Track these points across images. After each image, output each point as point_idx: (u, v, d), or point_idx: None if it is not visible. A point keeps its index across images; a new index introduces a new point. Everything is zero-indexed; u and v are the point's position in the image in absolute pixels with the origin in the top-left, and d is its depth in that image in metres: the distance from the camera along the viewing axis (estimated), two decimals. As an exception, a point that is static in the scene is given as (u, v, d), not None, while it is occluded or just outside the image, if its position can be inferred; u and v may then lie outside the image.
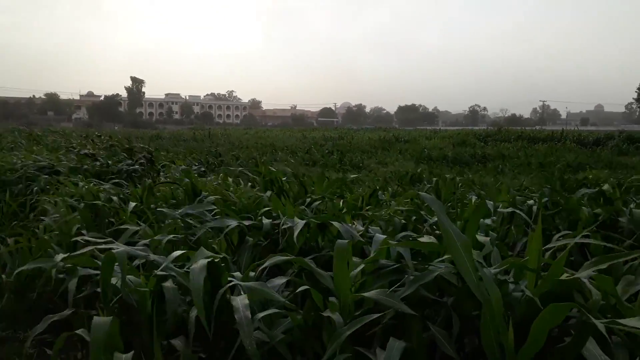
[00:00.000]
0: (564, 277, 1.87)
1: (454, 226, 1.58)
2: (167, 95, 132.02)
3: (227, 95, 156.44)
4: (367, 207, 4.27)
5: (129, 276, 2.19)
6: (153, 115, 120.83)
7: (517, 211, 3.06)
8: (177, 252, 2.06)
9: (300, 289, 1.90)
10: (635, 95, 77.04)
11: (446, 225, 1.54)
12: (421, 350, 1.78)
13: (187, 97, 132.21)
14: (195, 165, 9.83)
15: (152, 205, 4.07)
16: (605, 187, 4.17)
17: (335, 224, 2.67)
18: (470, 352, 1.91)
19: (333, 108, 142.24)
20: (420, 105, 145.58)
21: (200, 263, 1.81)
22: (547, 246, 2.88)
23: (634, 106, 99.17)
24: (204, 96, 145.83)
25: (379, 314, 1.71)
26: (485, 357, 1.75)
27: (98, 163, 7.58)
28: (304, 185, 4.91)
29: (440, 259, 2.16)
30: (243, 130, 48.69)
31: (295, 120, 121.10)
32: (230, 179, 6.44)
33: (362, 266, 1.99)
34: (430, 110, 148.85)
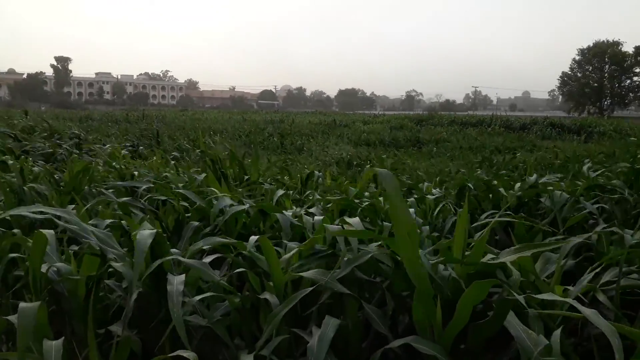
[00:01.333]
0: (487, 257, 2.00)
1: (407, 208, 1.63)
2: (97, 74, 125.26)
3: (162, 75, 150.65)
4: (307, 191, 4.31)
5: (59, 264, 2.11)
6: (82, 96, 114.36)
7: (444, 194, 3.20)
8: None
9: (236, 270, 1.91)
10: (557, 83, 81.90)
11: (396, 203, 1.59)
12: (356, 328, 1.85)
13: (119, 77, 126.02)
14: (130, 148, 9.47)
15: (86, 188, 3.90)
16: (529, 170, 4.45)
17: (279, 216, 2.68)
18: (403, 329, 2.01)
19: (274, 91, 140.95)
20: (359, 90, 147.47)
21: (147, 231, 1.78)
22: (474, 224, 3.07)
23: (556, 93, 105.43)
24: (137, 76, 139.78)
25: (313, 287, 1.75)
26: (415, 333, 1.85)
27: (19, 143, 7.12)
28: (244, 167, 4.87)
29: (377, 243, 2.25)
30: (179, 112, 47.18)
31: (235, 102, 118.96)
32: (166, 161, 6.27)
33: (296, 249, 2.03)
34: (368, 94, 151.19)
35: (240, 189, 4.01)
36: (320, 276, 1.78)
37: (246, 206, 2.93)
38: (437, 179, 5.96)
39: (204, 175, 3.98)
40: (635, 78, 75.51)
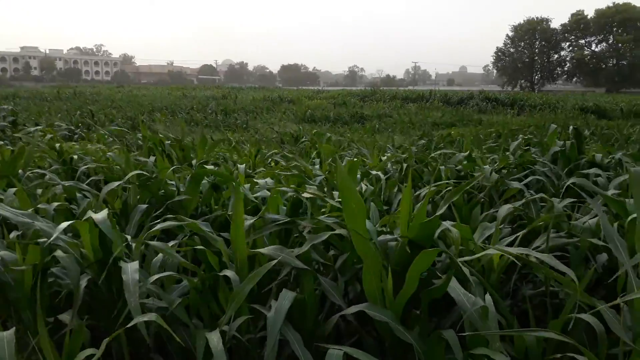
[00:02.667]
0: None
1: (352, 182, 1.71)
2: (22, 48, 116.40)
3: (94, 49, 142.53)
4: (256, 170, 4.33)
5: (2, 252, 2.04)
6: (7, 72, 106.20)
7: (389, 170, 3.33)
8: (66, 223, 1.94)
9: (196, 247, 1.93)
10: (492, 59, 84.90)
11: (345, 180, 1.66)
12: (312, 301, 1.94)
13: (48, 51, 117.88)
14: (64, 127, 9.00)
15: (21, 171, 3.71)
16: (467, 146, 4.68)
17: (233, 186, 2.68)
18: (355, 298, 2.12)
19: (214, 65, 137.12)
20: (302, 65, 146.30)
21: (102, 213, 1.75)
22: (417, 193, 3.23)
23: (491, 68, 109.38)
24: (68, 50, 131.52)
25: (273, 263, 1.80)
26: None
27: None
28: (189, 149, 4.80)
29: (328, 214, 2.33)
30: (115, 88, 45.02)
31: (173, 77, 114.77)
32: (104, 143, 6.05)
33: (252, 220, 2.07)
34: (311, 70, 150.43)
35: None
36: (280, 253, 1.84)
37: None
38: (381, 154, 6.12)
39: (153, 158, 3.90)
40: (562, 53, 79.64)
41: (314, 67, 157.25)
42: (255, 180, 2.99)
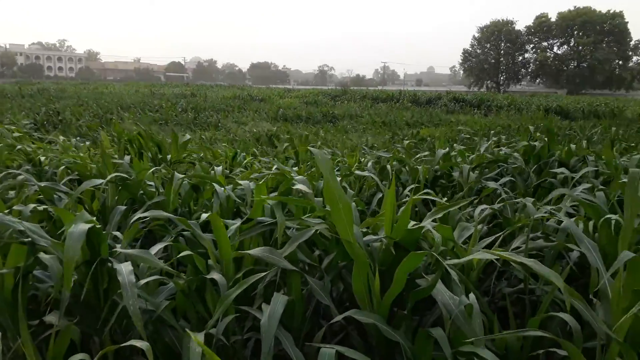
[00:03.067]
0: (410, 226, 2.19)
1: (339, 187, 1.73)
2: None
3: (58, 44, 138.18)
4: (235, 169, 4.30)
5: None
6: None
7: (371, 175, 3.38)
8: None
9: (182, 254, 1.92)
10: (459, 59, 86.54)
11: (332, 185, 1.68)
12: (299, 301, 1.96)
13: (8, 46, 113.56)
14: (29, 125, 8.72)
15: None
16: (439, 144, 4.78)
17: (217, 188, 2.68)
18: (342, 297, 2.15)
19: (182, 63, 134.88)
20: (272, 64, 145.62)
21: (80, 226, 1.71)
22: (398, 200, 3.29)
23: (457, 69, 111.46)
24: (29, 45, 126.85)
25: (264, 273, 1.82)
26: (353, 300, 2.00)
27: None
28: (164, 147, 4.74)
29: (309, 214, 2.36)
30: (80, 85, 43.77)
31: (140, 74, 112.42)
32: (73, 141, 5.90)
33: (238, 224, 2.08)
34: (281, 68, 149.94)
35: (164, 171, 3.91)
36: (268, 254, 1.85)
37: (181, 176, 2.87)
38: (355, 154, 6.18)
39: (128, 157, 3.83)
40: (526, 55, 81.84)
41: (284, 66, 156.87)
42: (237, 181, 2.98)
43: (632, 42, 72.85)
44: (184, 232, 2.44)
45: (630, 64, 73.00)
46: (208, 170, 3.99)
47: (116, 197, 3.08)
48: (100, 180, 2.81)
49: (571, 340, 1.79)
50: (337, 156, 5.67)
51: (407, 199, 3.21)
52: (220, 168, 3.88)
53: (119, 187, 3.08)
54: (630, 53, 72.91)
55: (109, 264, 1.78)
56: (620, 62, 72.38)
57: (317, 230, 1.93)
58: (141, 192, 3.00)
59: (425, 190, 2.99)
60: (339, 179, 3.28)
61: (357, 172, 3.33)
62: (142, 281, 1.77)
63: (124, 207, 2.84)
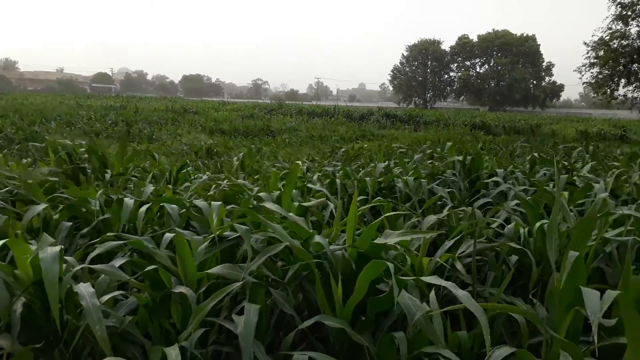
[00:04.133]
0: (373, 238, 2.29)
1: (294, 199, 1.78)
2: None
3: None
4: (178, 184, 4.23)
5: None
6: None
7: (324, 191, 3.47)
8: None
9: (148, 268, 1.89)
10: (389, 77, 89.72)
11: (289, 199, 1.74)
12: (265, 312, 1.99)
13: None
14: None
15: None
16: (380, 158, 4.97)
17: (168, 207, 2.64)
18: (301, 305, 2.20)
19: (110, 74, 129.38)
20: (205, 76, 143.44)
21: (51, 250, 1.64)
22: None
23: (387, 85, 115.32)
24: None
25: (236, 285, 1.82)
26: (316, 308, 2.06)
27: None
28: (104, 160, 4.56)
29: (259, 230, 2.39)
30: (-5, 95, 40.80)
31: (64, 85, 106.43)
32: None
33: (205, 243, 2.08)
34: (214, 81, 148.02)
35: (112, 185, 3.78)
36: (232, 271, 1.87)
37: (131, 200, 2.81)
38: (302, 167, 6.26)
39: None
40: (451, 73, 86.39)
41: (218, 79, 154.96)
42: (193, 202, 2.95)
43: (544, 63, 79.14)
44: (137, 250, 2.39)
45: (544, 84, 79.10)
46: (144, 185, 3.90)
47: (57, 215, 2.95)
48: (43, 205, 2.68)
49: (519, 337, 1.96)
50: (284, 169, 5.71)
51: (359, 209, 3.33)
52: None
53: (61, 205, 2.96)
54: (543, 73, 79.08)
55: (68, 284, 1.72)
56: (535, 82, 78.21)
57: (285, 245, 1.97)
58: (84, 210, 2.89)
59: (377, 198, 3.12)
60: (295, 191, 3.35)
61: (309, 185, 3.40)
62: (106, 297, 1.72)
63: (69, 224, 2.73)
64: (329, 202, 3.21)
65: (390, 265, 1.64)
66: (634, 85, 23.63)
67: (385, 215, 2.99)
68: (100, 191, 2.96)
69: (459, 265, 2.41)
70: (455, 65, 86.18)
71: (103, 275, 1.87)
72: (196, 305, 1.75)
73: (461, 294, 1.71)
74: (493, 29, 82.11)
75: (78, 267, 1.79)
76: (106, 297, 1.74)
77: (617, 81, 23.56)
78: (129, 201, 2.71)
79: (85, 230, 2.76)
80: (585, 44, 23.78)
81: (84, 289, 1.63)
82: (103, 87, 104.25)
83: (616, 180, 4.41)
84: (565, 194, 3.57)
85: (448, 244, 2.52)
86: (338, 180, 3.51)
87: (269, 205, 2.26)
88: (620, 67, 22.72)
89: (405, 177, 4.01)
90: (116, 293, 1.79)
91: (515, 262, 2.63)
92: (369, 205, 3.07)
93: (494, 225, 3.02)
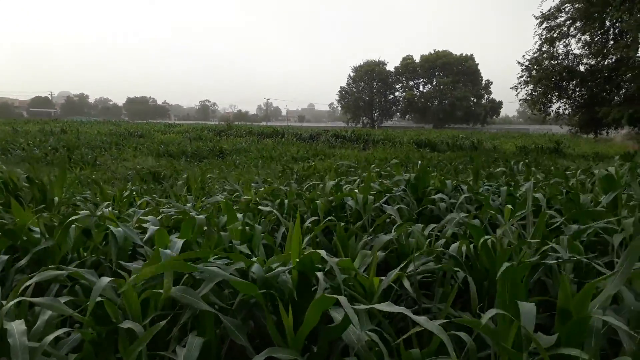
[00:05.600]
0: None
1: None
2: None
3: None
4: (124, 209, 4.08)
5: None
6: None
7: (274, 210, 3.46)
8: None
9: (91, 301, 1.80)
10: (337, 97, 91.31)
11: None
12: (215, 342, 1.94)
13: None
14: None
15: None
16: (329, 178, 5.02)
17: (114, 231, 2.54)
18: (252, 334, 2.16)
19: (49, 97, 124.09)
20: (150, 98, 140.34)
21: None
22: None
23: (336, 105, 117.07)
24: None
25: (186, 311, 1.77)
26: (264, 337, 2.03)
27: None
28: (43, 189, 4.35)
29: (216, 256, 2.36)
30: None
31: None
32: None
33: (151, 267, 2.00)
34: (160, 103, 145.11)
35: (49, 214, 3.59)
36: (183, 294, 1.82)
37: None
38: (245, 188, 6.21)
39: None
40: (396, 93, 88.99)
41: (164, 101, 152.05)
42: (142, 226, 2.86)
43: (483, 82, 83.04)
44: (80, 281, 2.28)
45: (483, 101, 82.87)
46: (93, 213, 3.75)
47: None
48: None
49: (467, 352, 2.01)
50: (234, 191, 5.64)
51: (309, 229, 3.34)
52: (107, 210, 3.67)
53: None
54: (483, 91, 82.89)
55: None
56: (475, 100, 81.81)
57: (225, 277, 1.94)
58: (25, 238, 2.74)
59: (329, 218, 3.14)
60: (240, 215, 3.31)
61: (260, 207, 3.38)
62: (50, 336, 1.62)
63: (5, 257, 2.57)
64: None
65: (343, 299, 1.64)
66: (565, 102, 25.21)
67: (338, 237, 3.03)
68: (35, 216, 2.81)
69: (407, 284, 2.45)
70: (400, 85, 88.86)
71: (41, 315, 1.76)
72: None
73: (419, 319, 1.74)
74: (435, 50, 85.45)
75: (14, 301, 1.68)
76: (52, 336, 1.63)
77: (550, 98, 25.05)
78: (73, 228, 2.59)
79: (23, 261, 2.61)
80: (518, 63, 25.21)
81: (15, 326, 1.53)
82: (42, 112, 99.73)
83: (551, 190, 4.68)
84: (509, 207, 3.74)
85: (395, 267, 2.57)
86: (286, 200, 3.50)
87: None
88: (552, 85, 24.20)
89: (355, 193, 4.06)
90: (61, 331, 1.69)
91: (462, 277, 2.71)
92: (322, 225, 3.08)
93: (440, 242, 3.11)
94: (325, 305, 1.86)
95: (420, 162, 10.97)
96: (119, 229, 2.60)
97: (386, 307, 1.69)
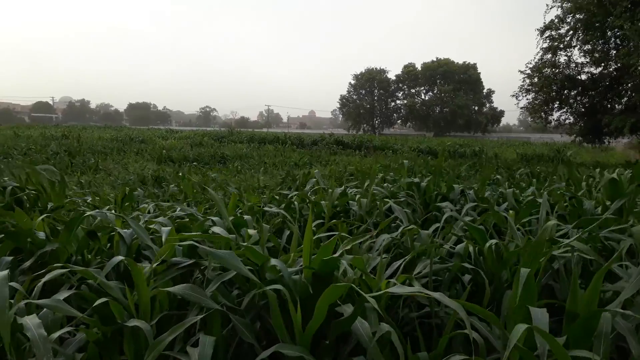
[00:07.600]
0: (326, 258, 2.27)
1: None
2: None
3: None
4: (126, 213, 4.07)
5: None
6: None
7: (283, 212, 3.45)
8: None
9: (98, 302, 1.78)
10: (338, 104, 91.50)
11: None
12: (222, 341, 1.92)
13: None
14: None
15: None
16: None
17: (121, 232, 2.53)
18: (260, 332, 2.14)
19: (51, 102, 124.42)
20: (152, 104, 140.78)
21: None
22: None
23: (337, 112, 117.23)
24: None
25: (195, 318, 1.75)
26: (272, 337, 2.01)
27: None
28: (45, 192, 4.34)
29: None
30: None
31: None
32: None
33: (155, 265, 1.99)
34: (161, 109, 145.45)
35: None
36: (191, 292, 1.80)
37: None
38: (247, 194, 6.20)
39: None
40: (397, 101, 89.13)
41: (165, 107, 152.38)
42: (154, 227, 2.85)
43: (485, 90, 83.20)
44: (86, 282, 2.27)
45: (485, 110, 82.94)
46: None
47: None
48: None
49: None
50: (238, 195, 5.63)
51: (315, 232, 3.33)
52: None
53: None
54: (484, 100, 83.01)
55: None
56: (476, 108, 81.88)
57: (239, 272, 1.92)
58: (29, 240, 2.73)
59: (333, 221, 3.12)
60: (247, 217, 3.30)
61: (266, 208, 3.36)
62: (56, 334, 1.61)
63: (10, 258, 2.56)
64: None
65: (352, 285, 1.63)
66: (566, 110, 25.21)
67: (341, 234, 3.02)
68: (40, 218, 2.80)
69: (417, 285, 2.43)
70: (401, 93, 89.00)
71: (45, 313, 1.74)
72: (153, 339, 1.67)
73: (434, 294, 1.71)
74: (436, 58, 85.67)
75: (21, 303, 1.66)
76: (57, 334, 1.62)
77: (551, 106, 25.05)
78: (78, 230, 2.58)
79: (28, 262, 2.59)
80: (520, 71, 25.24)
81: (30, 320, 1.53)
82: (43, 117, 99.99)
83: (554, 196, 4.67)
84: (512, 212, 3.73)
85: (396, 263, 2.55)
86: (296, 203, 3.49)
87: (218, 230, 2.21)
88: (553, 94, 24.22)
89: (359, 197, 4.05)
90: (65, 329, 1.68)
91: (469, 280, 2.69)
92: (326, 227, 3.07)
93: (446, 245, 3.09)
94: (335, 294, 1.84)
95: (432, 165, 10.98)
96: (126, 230, 2.58)
97: (399, 289, 1.68)
